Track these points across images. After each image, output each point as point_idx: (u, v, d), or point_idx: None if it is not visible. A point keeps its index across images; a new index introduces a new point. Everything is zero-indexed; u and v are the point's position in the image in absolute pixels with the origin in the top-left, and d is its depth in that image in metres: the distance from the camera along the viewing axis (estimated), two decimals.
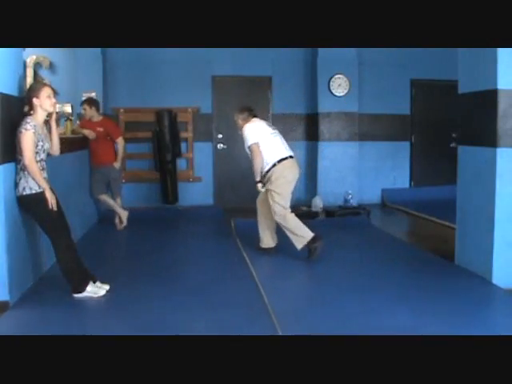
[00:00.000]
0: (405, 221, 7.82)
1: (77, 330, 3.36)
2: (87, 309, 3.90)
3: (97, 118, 6.67)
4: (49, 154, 4.14)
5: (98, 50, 7.79)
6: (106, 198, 6.72)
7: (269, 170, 5.17)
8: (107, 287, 4.12)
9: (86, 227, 6.54)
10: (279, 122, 8.76)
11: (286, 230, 5.13)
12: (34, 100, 3.93)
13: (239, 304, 3.93)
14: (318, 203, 7.77)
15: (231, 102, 8.61)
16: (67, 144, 5.45)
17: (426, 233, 6.72)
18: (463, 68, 4.80)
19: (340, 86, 8.27)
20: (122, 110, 8.24)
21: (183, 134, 8.37)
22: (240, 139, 5.55)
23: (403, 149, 9.12)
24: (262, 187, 5.26)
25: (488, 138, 4.38)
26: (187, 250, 5.87)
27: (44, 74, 7.36)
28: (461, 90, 4.82)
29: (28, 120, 3.87)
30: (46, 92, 3.97)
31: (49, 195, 3.91)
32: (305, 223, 5.17)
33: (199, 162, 8.55)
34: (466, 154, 4.78)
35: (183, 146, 8.39)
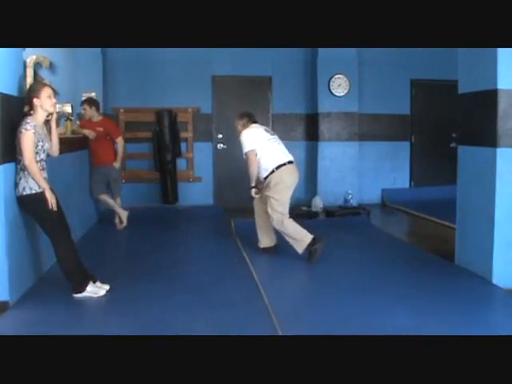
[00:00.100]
0: (405, 221, 7.82)
1: (77, 329, 3.36)
2: (87, 309, 3.90)
3: (97, 117, 6.68)
4: (48, 155, 4.14)
5: (98, 50, 7.79)
6: (105, 198, 6.72)
7: (267, 176, 5.16)
8: (107, 287, 4.12)
9: (86, 227, 6.54)
10: (279, 122, 8.79)
11: (284, 236, 5.12)
12: (35, 100, 3.93)
13: (239, 304, 3.93)
14: (317, 203, 7.78)
15: (231, 102, 8.63)
16: (67, 144, 5.45)
17: (426, 233, 6.72)
18: (463, 68, 4.80)
19: (340, 86, 8.27)
20: (122, 110, 8.24)
21: (183, 134, 8.38)
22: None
23: (403, 149, 9.12)
24: (256, 193, 5.30)
25: (488, 138, 4.38)
26: (187, 250, 5.87)
27: (44, 74, 7.35)
28: (461, 90, 4.82)
29: (28, 120, 3.87)
30: (46, 92, 3.97)
31: (49, 195, 3.91)
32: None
33: (199, 162, 8.55)
34: (466, 154, 4.78)
35: (183, 146, 8.39)
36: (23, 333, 3.22)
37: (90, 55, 7.59)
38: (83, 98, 6.89)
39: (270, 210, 5.10)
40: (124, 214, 6.72)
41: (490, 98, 4.33)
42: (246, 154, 5.22)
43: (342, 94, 8.28)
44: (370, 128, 8.80)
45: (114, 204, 6.72)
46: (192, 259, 5.47)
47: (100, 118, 6.73)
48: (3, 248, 3.74)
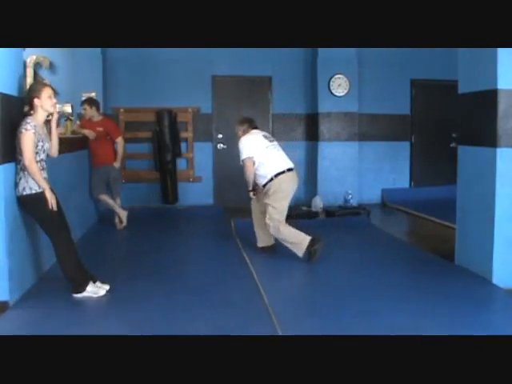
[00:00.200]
0: (405, 221, 7.82)
1: (77, 329, 3.36)
2: (87, 309, 3.90)
3: (97, 117, 6.68)
4: (48, 155, 4.13)
5: (98, 49, 7.79)
6: (105, 198, 6.72)
7: (266, 183, 5.16)
8: (107, 287, 4.12)
9: (86, 227, 6.54)
10: (279, 122, 8.79)
11: (283, 242, 5.12)
12: (35, 100, 3.93)
13: (239, 304, 3.93)
14: (317, 203, 7.78)
15: (231, 102, 8.64)
16: (67, 144, 5.45)
17: (425, 233, 6.72)
18: (463, 68, 4.80)
19: (340, 86, 8.27)
20: (122, 110, 8.24)
21: (183, 134, 8.38)
22: None
23: (403, 149, 9.12)
24: (254, 194, 5.34)
25: (488, 138, 4.38)
26: (187, 250, 5.86)
27: (44, 74, 7.35)
28: (461, 90, 4.82)
29: (28, 120, 3.87)
30: (47, 92, 3.97)
31: (49, 195, 3.91)
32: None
33: (199, 161, 8.55)
34: (466, 154, 4.78)
35: (183, 146, 8.39)
36: (23, 333, 3.22)
37: (89, 55, 7.59)
38: (83, 98, 6.89)
39: (267, 217, 5.10)
40: (124, 214, 6.72)
41: (490, 98, 4.33)
42: (242, 160, 5.22)
43: (341, 94, 8.28)
44: (369, 128, 8.80)
45: (114, 204, 6.72)
46: (192, 259, 5.47)
47: (100, 117, 6.74)
48: (3, 248, 3.74)
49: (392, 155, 9.02)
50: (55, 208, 3.95)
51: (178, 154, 8.27)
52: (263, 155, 5.17)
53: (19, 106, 4.03)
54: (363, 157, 8.66)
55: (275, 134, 8.61)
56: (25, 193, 3.90)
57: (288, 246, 5.08)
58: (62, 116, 6.29)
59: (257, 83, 8.76)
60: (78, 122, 6.97)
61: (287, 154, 5.34)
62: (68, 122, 6.54)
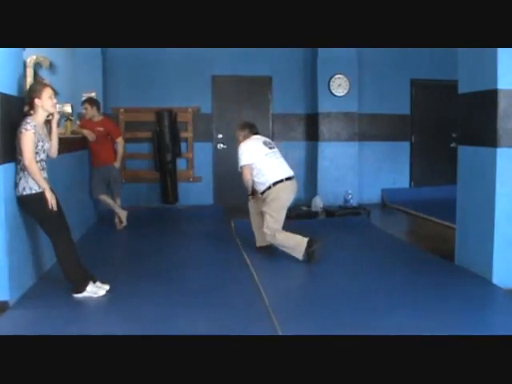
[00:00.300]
0: (405, 221, 7.82)
1: (77, 329, 3.36)
2: (87, 309, 3.90)
3: (97, 117, 6.68)
4: (47, 155, 4.13)
5: (98, 49, 7.79)
6: (105, 198, 6.72)
7: (264, 191, 5.16)
8: (107, 287, 4.12)
9: (86, 227, 6.54)
10: (279, 122, 8.79)
11: (280, 247, 5.12)
12: (36, 100, 3.93)
13: (239, 304, 3.93)
14: (317, 203, 7.78)
15: (231, 102, 8.64)
16: (67, 144, 5.45)
17: (425, 233, 6.72)
18: (463, 68, 4.80)
19: (340, 85, 8.27)
20: (122, 110, 8.24)
21: (183, 134, 8.38)
22: None
23: (403, 149, 9.12)
24: (252, 198, 5.38)
25: (488, 137, 4.38)
26: (187, 251, 5.86)
27: (44, 74, 7.36)
28: (461, 90, 4.82)
29: (28, 120, 3.87)
30: (47, 93, 3.98)
31: (49, 195, 3.91)
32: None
33: (199, 161, 8.55)
34: (466, 154, 4.78)
35: (183, 146, 8.39)
36: (23, 333, 3.21)
37: (89, 55, 7.59)
38: (83, 98, 6.89)
39: (265, 226, 5.11)
40: (123, 214, 6.72)
41: (490, 98, 4.33)
42: (241, 167, 5.22)
43: (341, 94, 8.28)
44: (369, 128, 8.79)
45: (114, 204, 6.72)
46: (192, 260, 5.46)
47: (100, 117, 6.74)
48: (3, 248, 3.74)
49: (392, 155, 9.01)
50: (55, 208, 3.95)
51: (178, 154, 8.27)
52: (262, 163, 5.16)
53: (19, 106, 4.04)
54: (363, 157, 8.66)
55: (275, 134, 8.68)
56: (25, 193, 3.90)
57: (286, 250, 5.07)
58: (62, 116, 6.29)
59: (257, 83, 8.76)
60: (77, 122, 6.98)
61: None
62: (68, 122, 6.54)
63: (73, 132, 6.56)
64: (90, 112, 6.61)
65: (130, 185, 8.02)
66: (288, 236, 5.07)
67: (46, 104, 3.95)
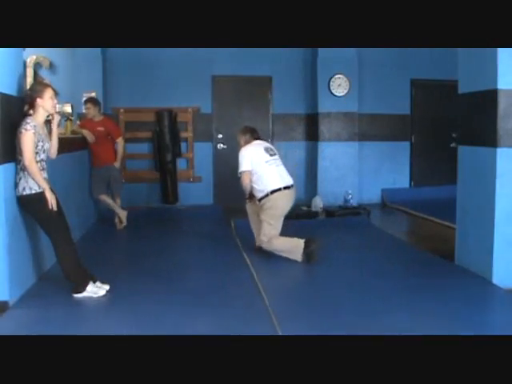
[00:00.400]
0: (405, 221, 7.82)
1: (76, 329, 3.35)
2: (87, 309, 3.90)
3: (98, 117, 6.69)
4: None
5: (98, 50, 7.79)
6: (105, 198, 6.72)
7: (261, 198, 5.17)
8: (107, 287, 4.12)
9: (86, 227, 6.54)
10: (279, 122, 8.79)
11: (278, 253, 5.11)
12: (38, 100, 3.93)
13: (239, 304, 3.93)
14: (318, 203, 7.77)
15: (231, 102, 8.64)
16: (67, 144, 5.45)
17: (425, 233, 6.72)
18: (463, 68, 4.80)
19: (340, 86, 8.27)
20: (122, 110, 8.24)
21: (183, 134, 8.38)
22: None
23: (403, 149, 9.12)
24: (250, 201, 5.41)
25: (488, 137, 4.38)
26: (187, 251, 5.86)
27: (44, 74, 7.36)
28: (461, 90, 4.82)
29: (28, 120, 3.87)
30: (49, 93, 3.99)
31: (49, 195, 3.91)
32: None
33: (199, 161, 8.55)
34: (466, 154, 4.78)
35: (183, 146, 8.39)
36: (23, 333, 3.22)
37: (90, 55, 7.59)
38: (84, 98, 6.90)
39: (262, 234, 5.13)
40: (123, 214, 6.72)
41: (490, 98, 4.33)
42: (240, 173, 5.22)
43: (341, 94, 8.28)
44: (369, 128, 8.79)
45: (114, 204, 6.73)
46: (192, 260, 5.46)
47: (101, 117, 6.75)
48: (3, 248, 3.74)
49: (392, 155, 9.01)
50: (55, 208, 3.95)
51: (178, 154, 8.27)
52: (262, 170, 5.16)
53: (19, 105, 4.03)
54: (363, 157, 8.66)
55: (275, 134, 8.68)
56: (25, 193, 3.90)
57: (284, 255, 5.07)
58: (63, 116, 6.29)
59: (257, 83, 8.76)
60: (77, 122, 6.98)
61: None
62: (68, 122, 6.55)
63: (73, 132, 6.56)
64: (93, 111, 6.61)
65: (129, 185, 8.02)
66: (285, 240, 5.10)
67: (47, 104, 3.96)
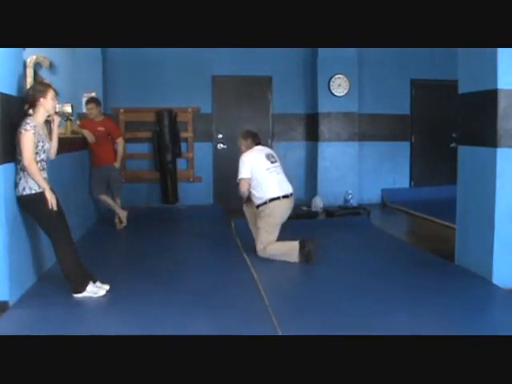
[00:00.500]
0: (405, 221, 7.82)
1: (76, 329, 3.35)
2: (87, 309, 3.90)
3: (99, 117, 6.69)
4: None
5: (98, 50, 7.79)
6: (105, 198, 6.72)
7: (259, 205, 5.17)
8: (107, 287, 4.12)
9: (86, 227, 6.54)
10: (279, 122, 8.79)
11: (275, 258, 5.10)
12: (42, 100, 3.93)
13: (239, 304, 3.93)
14: (318, 203, 7.77)
15: (231, 102, 8.64)
16: (67, 144, 5.45)
17: (425, 233, 6.72)
18: (463, 68, 4.80)
19: (340, 86, 8.27)
20: (122, 110, 8.24)
21: (183, 134, 8.38)
22: None
23: (403, 149, 9.12)
24: (247, 205, 5.41)
25: (488, 137, 4.38)
26: (187, 251, 5.86)
27: (44, 74, 7.36)
28: (461, 90, 4.82)
29: (28, 120, 3.87)
30: (51, 94, 4.00)
31: (49, 195, 3.91)
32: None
33: (199, 161, 8.55)
34: (466, 154, 4.78)
35: (183, 146, 8.39)
36: (23, 333, 3.22)
37: (90, 55, 7.59)
38: (85, 98, 6.90)
39: (259, 241, 5.14)
40: (123, 214, 6.72)
41: (490, 98, 4.33)
42: (239, 179, 5.21)
43: (341, 94, 8.28)
44: (369, 128, 8.79)
45: (114, 204, 6.73)
46: (192, 260, 5.46)
47: (101, 117, 6.75)
48: (3, 248, 3.74)
49: (392, 155, 9.01)
50: (55, 208, 3.95)
51: (178, 154, 8.27)
52: (262, 177, 5.15)
53: (19, 105, 4.03)
54: (363, 157, 8.66)
55: (275, 134, 8.68)
56: (25, 193, 3.90)
57: (281, 258, 5.06)
58: (63, 116, 6.30)
59: (257, 83, 8.76)
60: (77, 122, 6.98)
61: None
62: (68, 122, 6.55)
63: (73, 132, 6.56)
64: (95, 112, 6.62)
65: (130, 185, 8.02)
66: (278, 244, 5.11)
67: (48, 104, 3.96)
